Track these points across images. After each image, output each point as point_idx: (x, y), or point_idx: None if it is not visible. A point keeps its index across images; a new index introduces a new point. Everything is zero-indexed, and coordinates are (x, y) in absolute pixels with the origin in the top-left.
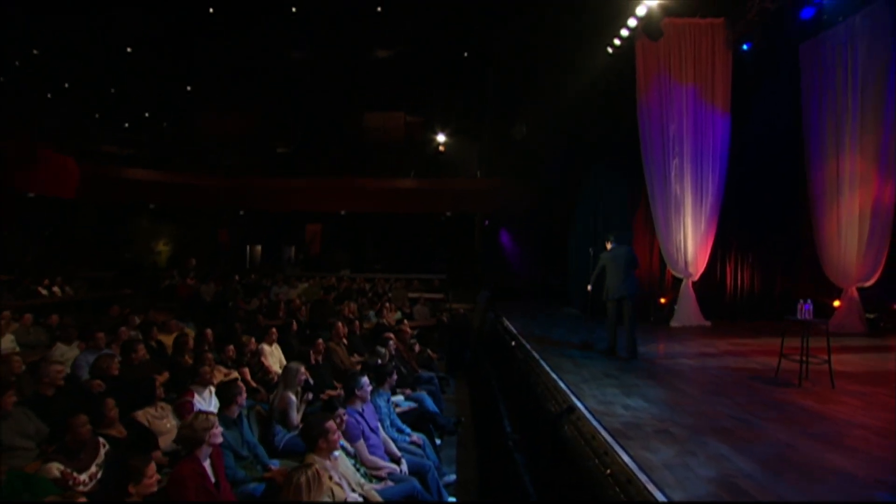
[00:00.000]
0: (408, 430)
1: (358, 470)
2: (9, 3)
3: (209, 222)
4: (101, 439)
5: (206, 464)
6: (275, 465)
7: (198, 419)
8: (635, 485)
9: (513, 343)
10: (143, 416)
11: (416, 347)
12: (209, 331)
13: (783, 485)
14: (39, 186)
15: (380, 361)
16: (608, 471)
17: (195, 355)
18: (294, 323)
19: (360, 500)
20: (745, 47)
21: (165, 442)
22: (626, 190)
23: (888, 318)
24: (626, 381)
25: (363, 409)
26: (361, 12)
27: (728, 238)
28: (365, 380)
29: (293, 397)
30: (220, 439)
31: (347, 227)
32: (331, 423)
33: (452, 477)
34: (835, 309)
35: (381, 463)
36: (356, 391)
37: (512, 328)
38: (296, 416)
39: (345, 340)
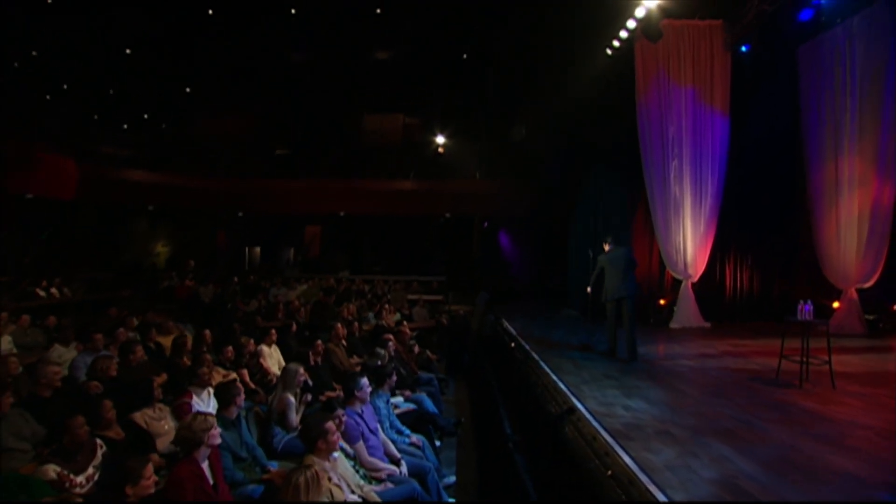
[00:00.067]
0: (407, 431)
1: (357, 471)
2: (8, 4)
3: (208, 224)
4: (99, 441)
5: (205, 465)
6: (273, 466)
7: (196, 420)
8: (637, 486)
9: (512, 344)
10: (140, 417)
11: (416, 349)
12: (207, 332)
13: (786, 486)
14: (38, 187)
15: (379, 363)
16: (609, 472)
17: (193, 357)
18: (293, 324)
19: (360, 501)
20: (743, 49)
21: (163, 443)
22: (626, 191)
23: (887, 319)
24: (627, 382)
25: (362, 411)
26: (361, 14)
27: (727, 239)
28: (364, 381)
29: (292, 398)
30: (218, 440)
31: (346, 228)
32: (330, 425)
33: (452, 478)
34: (834, 310)
35: (381, 464)
36: (355, 392)
37: (511, 330)
38: (294, 418)
39: (344, 342)
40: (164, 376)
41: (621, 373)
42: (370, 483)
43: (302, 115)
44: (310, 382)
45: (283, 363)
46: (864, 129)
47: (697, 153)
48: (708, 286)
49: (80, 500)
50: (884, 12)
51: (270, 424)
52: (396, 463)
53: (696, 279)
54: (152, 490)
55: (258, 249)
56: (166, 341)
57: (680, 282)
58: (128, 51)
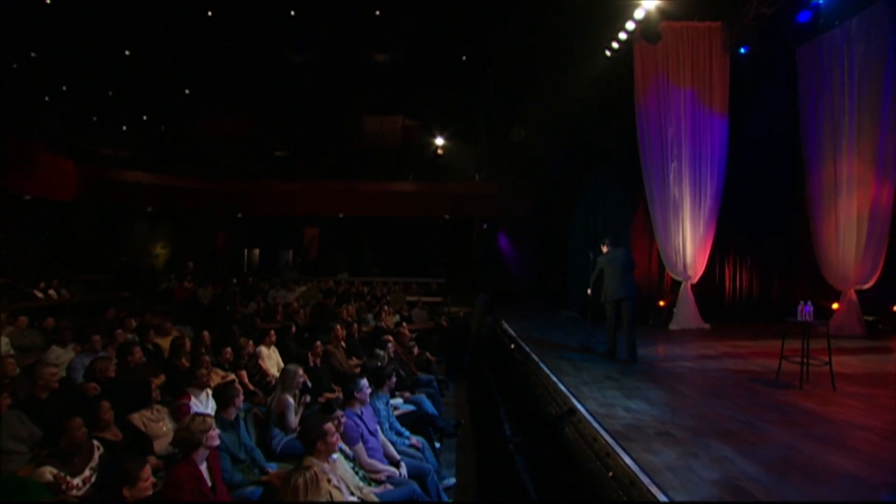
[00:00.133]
0: (407, 433)
1: (357, 473)
2: (7, 5)
3: (207, 225)
4: (96, 442)
5: (203, 467)
6: (272, 468)
7: (195, 421)
8: (638, 487)
9: (512, 346)
10: (138, 418)
11: (415, 350)
12: (206, 333)
13: (788, 487)
14: (37, 188)
15: (379, 364)
16: (610, 473)
17: (192, 358)
18: (293, 326)
19: (359, 503)
20: (742, 51)
21: (161, 445)
22: (625, 193)
23: (887, 321)
24: (627, 383)
25: (362, 412)
26: (360, 15)
27: (726, 241)
28: (364, 382)
29: (291, 400)
30: (216, 442)
31: (345, 230)
32: (329, 426)
33: (452, 480)
34: (833, 311)
35: (380, 466)
36: (355, 393)
37: (511, 331)
38: (293, 419)
39: (343, 343)
40: (163, 378)
41: (621, 374)
42: (369, 485)
43: (301, 116)
44: (309, 384)
45: (282, 365)
46: (863, 131)
47: (696, 154)
48: (707, 288)
49: (76, 502)
50: (882, 14)
51: (269, 426)
52: (396, 465)
53: (695, 280)
54: (150, 492)
55: (257, 251)
56: (165, 343)
57: (679, 283)
58: (127, 52)
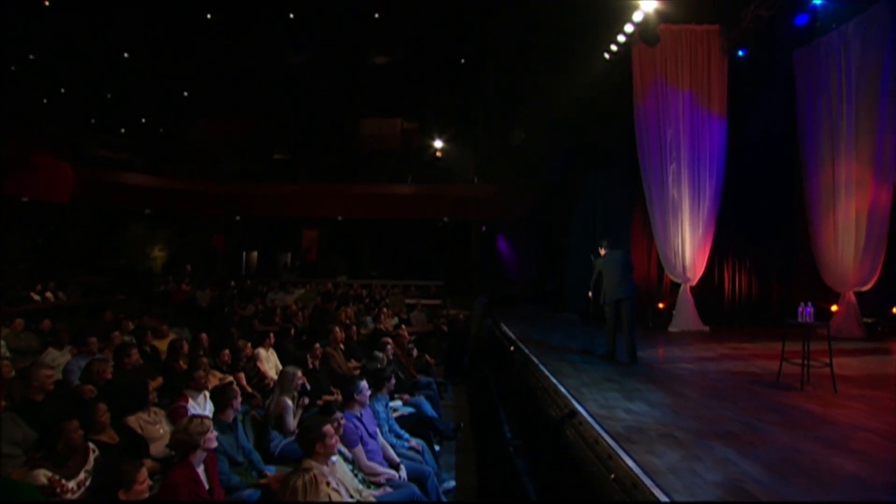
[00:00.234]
0: (406, 435)
1: (356, 476)
2: (6, 6)
3: (205, 228)
4: (91, 445)
5: (200, 469)
6: (270, 471)
7: (192, 423)
8: (641, 489)
9: (511, 348)
10: (135, 421)
11: (414, 353)
12: (204, 336)
13: (792, 489)
14: (34, 191)
15: (378, 366)
16: (612, 475)
17: (190, 360)
18: (291, 329)
19: None
20: (740, 53)
21: (158, 448)
22: (624, 195)
23: (886, 323)
24: (627, 385)
25: (361, 414)
26: (359, 18)
27: (725, 243)
28: (364, 384)
29: (289, 402)
30: (214, 444)
31: (344, 233)
32: (328, 428)
33: (452, 483)
34: (833, 313)
35: (380, 469)
36: (355, 395)
37: (510, 333)
38: (292, 422)
39: (341, 346)
40: (160, 380)
41: (621, 376)
42: (369, 487)
43: (300, 118)
44: (307, 386)
45: (280, 367)
46: (861, 133)
47: (695, 157)
48: (706, 290)
49: None
50: (878, 17)
51: (267, 428)
52: (395, 467)
53: (694, 283)
54: (146, 495)
55: (255, 254)
56: (162, 345)
57: (678, 285)
58: (126, 54)
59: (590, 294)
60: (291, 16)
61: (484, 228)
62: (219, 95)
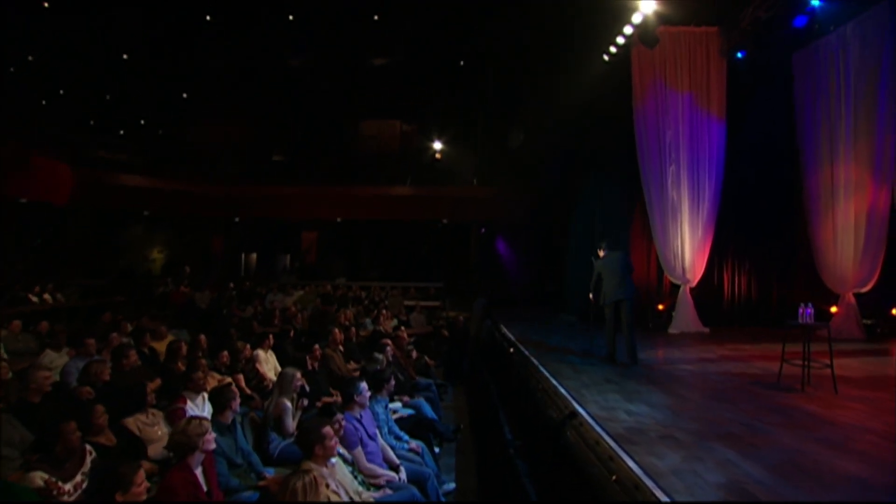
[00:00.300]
0: (406, 437)
1: (356, 478)
2: (4, 7)
3: (204, 230)
4: (88, 447)
5: (198, 471)
6: (269, 473)
7: (191, 424)
8: (642, 491)
9: (511, 350)
10: (133, 423)
11: (414, 354)
12: (203, 337)
13: (794, 490)
14: (32, 192)
15: (378, 367)
16: (614, 477)
17: (188, 361)
18: (291, 331)
19: None
20: (739, 55)
21: (156, 450)
22: (623, 197)
23: (886, 324)
24: (628, 386)
25: (361, 416)
26: (358, 20)
27: (725, 244)
28: (364, 385)
29: (289, 404)
30: (213, 445)
31: (343, 234)
32: (328, 429)
33: (452, 485)
34: (832, 315)
35: (380, 471)
36: (355, 397)
37: (510, 335)
38: (291, 423)
39: (341, 347)
40: (158, 381)
41: (621, 377)
42: (369, 489)
43: (299, 120)
44: (307, 387)
45: (279, 368)
46: (859, 135)
47: (694, 158)
48: (706, 291)
49: None
50: (877, 19)
51: (266, 430)
52: (395, 469)
53: (694, 284)
54: (144, 497)
55: (254, 255)
56: (161, 346)
57: (678, 287)
58: (125, 55)
59: (590, 296)
60: (291, 17)
61: (483, 230)
62: (218, 97)
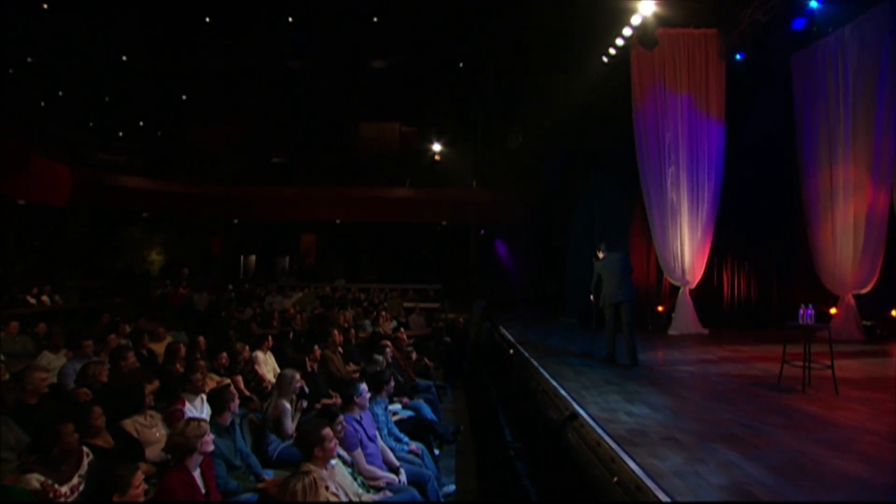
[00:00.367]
0: (406, 439)
1: (355, 479)
2: (4, 8)
3: (203, 231)
4: (86, 449)
5: (196, 473)
6: (268, 475)
7: (189, 426)
8: (644, 492)
9: (511, 351)
10: (131, 424)
11: (413, 356)
12: (201, 339)
13: (797, 491)
14: (31, 193)
15: (378, 369)
16: (615, 478)
17: (187, 363)
18: (290, 332)
19: None
20: (738, 57)
21: (154, 451)
22: (623, 198)
23: (885, 325)
24: (628, 388)
25: (361, 417)
26: (357, 22)
27: (724, 246)
28: (364, 387)
29: (288, 405)
30: (211, 447)
31: (342, 236)
32: (327, 431)
33: (452, 487)
34: (832, 316)
35: (380, 473)
36: (355, 398)
37: (509, 336)
38: (290, 425)
39: (340, 349)
40: (157, 383)
41: (622, 378)
42: (369, 491)
43: (298, 122)
44: (306, 389)
45: (279, 370)
46: (858, 136)
47: (694, 159)
48: (706, 292)
49: None
50: (875, 21)
51: (265, 432)
52: (395, 471)
53: (693, 285)
54: (141, 499)
55: (253, 257)
56: (159, 348)
57: (678, 288)
58: (124, 57)
59: (591, 297)
60: (290, 19)
61: (482, 232)
62: (217, 98)
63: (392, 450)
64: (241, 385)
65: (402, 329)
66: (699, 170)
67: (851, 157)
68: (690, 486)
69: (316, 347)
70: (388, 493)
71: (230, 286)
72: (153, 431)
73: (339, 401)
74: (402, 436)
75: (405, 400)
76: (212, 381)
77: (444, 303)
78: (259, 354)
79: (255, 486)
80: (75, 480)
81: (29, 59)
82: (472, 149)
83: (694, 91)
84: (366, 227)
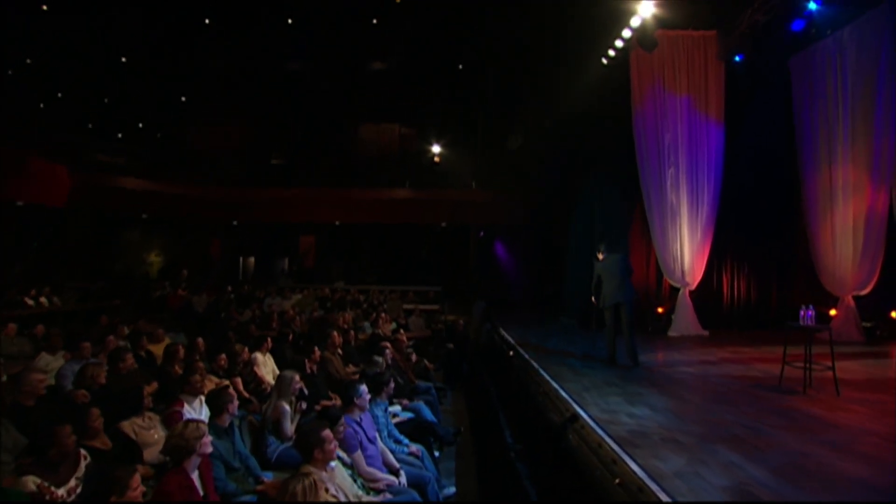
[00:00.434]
0: (406, 440)
1: (355, 481)
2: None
3: (202, 233)
4: (83, 451)
5: (194, 476)
6: (267, 477)
7: (188, 427)
8: (646, 494)
9: (511, 353)
10: (129, 426)
11: (413, 357)
12: (200, 340)
13: (799, 493)
14: (29, 195)
15: (378, 370)
16: (617, 480)
17: (185, 365)
18: (290, 334)
19: None
20: (737, 59)
21: (152, 453)
22: (623, 199)
23: (885, 327)
24: (629, 389)
25: (361, 419)
26: (357, 24)
27: (724, 247)
28: (364, 388)
29: (287, 407)
30: (209, 449)
31: (342, 238)
32: (327, 433)
33: (452, 489)
34: (831, 318)
35: (380, 475)
36: (355, 399)
37: (509, 338)
38: (290, 427)
39: (339, 350)
40: (155, 385)
41: (622, 380)
42: (368, 493)
43: (298, 123)
44: (305, 391)
45: (278, 372)
46: (857, 137)
47: (693, 161)
48: (705, 294)
49: None
50: (874, 23)
51: (264, 433)
52: (395, 473)
53: (693, 287)
54: (139, 501)
55: (252, 259)
56: (158, 350)
57: (678, 290)
58: (123, 58)
59: (592, 299)
60: (290, 21)
61: (482, 233)
62: (217, 100)
63: (392, 452)
64: (240, 387)
65: (401, 331)
66: (699, 171)
67: (850, 159)
68: (693, 487)
69: (315, 349)
70: (389, 496)
71: (229, 288)
72: (151, 433)
73: (338, 402)
74: (402, 438)
75: (405, 402)
76: (210, 383)
77: (443, 304)
78: (258, 356)
79: (254, 489)
80: (72, 483)
81: (28, 61)
82: (472, 150)
83: (693, 92)
84: (365, 229)
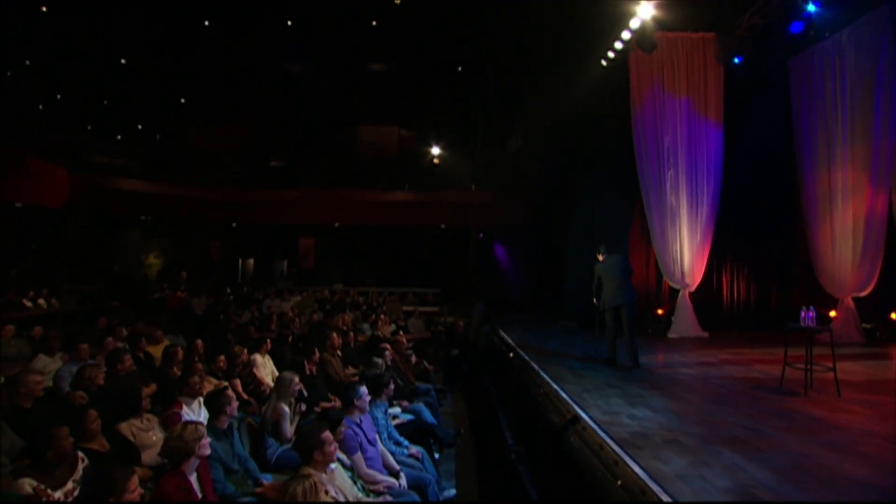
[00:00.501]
0: (406, 442)
1: (355, 483)
2: (2, 11)
3: (201, 235)
4: (81, 453)
5: (193, 478)
6: (267, 479)
7: (186, 429)
8: (648, 496)
9: (511, 354)
10: (127, 428)
11: (413, 359)
12: (199, 342)
13: (801, 494)
14: (28, 196)
15: (377, 372)
16: (619, 482)
17: (184, 366)
18: (290, 336)
19: None
20: (736, 61)
21: (150, 456)
22: (622, 201)
23: (885, 328)
24: (630, 390)
25: (361, 421)
26: (357, 26)
27: (724, 248)
28: (364, 389)
29: (286, 408)
30: (208, 451)
31: (341, 239)
32: (327, 434)
33: (452, 491)
34: (831, 319)
35: (380, 477)
36: (355, 401)
37: (509, 340)
38: (289, 429)
39: (339, 352)
40: (154, 386)
41: (623, 381)
42: (369, 495)
43: (298, 125)
44: (304, 392)
45: (277, 374)
46: (856, 139)
47: (693, 163)
48: (705, 295)
49: None
50: (873, 25)
51: (264, 435)
52: (395, 475)
53: (693, 288)
54: (138, 503)
55: (252, 261)
56: (156, 351)
57: (677, 291)
58: (123, 59)
59: (594, 300)
60: (290, 21)
61: (481, 235)
62: (216, 101)
63: (392, 453)
64: (240, 388)
65: (401, 332)
66: (698, 173)
67: (850, 160)
68: (695, 489)
69: (315, 350)
70: (389, 497)
71: (228, 289)
72: (150, 435)
73: (338, 404)
74: (402, 439)
75: (405, 403)
76: (210, 385)
77: (443, 306)
78: (257, 358)
79: (254, 491)
80: (69, 485)
81: (27, 62)
82: (471, 152)
83: (692, 94)
84: (365, 231)
